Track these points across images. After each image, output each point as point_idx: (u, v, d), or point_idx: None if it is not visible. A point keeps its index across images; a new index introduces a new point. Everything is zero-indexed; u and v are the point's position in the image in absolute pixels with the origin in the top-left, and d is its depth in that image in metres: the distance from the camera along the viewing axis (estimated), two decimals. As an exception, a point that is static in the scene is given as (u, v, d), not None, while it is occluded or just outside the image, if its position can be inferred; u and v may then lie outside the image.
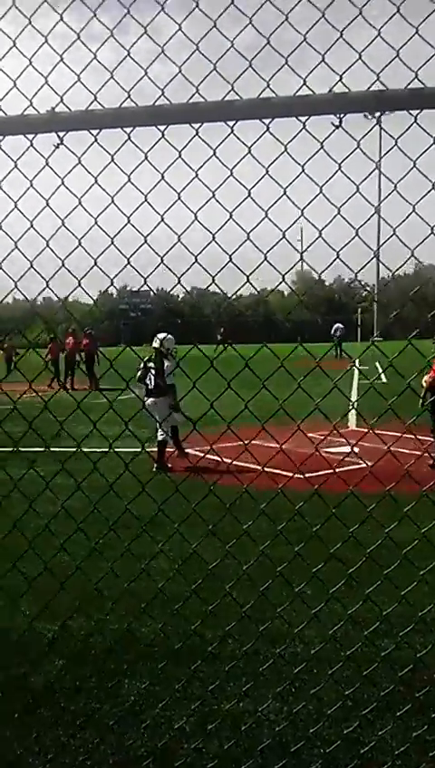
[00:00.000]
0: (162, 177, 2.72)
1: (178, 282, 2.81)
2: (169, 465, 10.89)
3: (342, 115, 2.40)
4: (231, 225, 2.74)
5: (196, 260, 2.80)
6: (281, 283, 2.86)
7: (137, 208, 2.77)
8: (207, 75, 2.55)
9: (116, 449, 3.14)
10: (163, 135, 2.61)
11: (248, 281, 2.78)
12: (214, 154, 2.58)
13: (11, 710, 4.20)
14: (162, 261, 2.80)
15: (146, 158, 2.73)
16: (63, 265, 2.85)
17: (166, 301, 76.18)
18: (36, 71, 2.74)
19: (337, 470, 3.32)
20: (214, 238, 2.73)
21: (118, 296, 77.63)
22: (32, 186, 2.82)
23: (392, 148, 2.41)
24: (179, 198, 2.73)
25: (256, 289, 3.08)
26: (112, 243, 2.90)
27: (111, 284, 3.07)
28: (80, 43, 2.67)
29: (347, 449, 3.16)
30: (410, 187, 2.55)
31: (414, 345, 2.94)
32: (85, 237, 2.87)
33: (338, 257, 2.60)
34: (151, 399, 11.01)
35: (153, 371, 11.07)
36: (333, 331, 37.84)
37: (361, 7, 2.38)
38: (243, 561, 3.95)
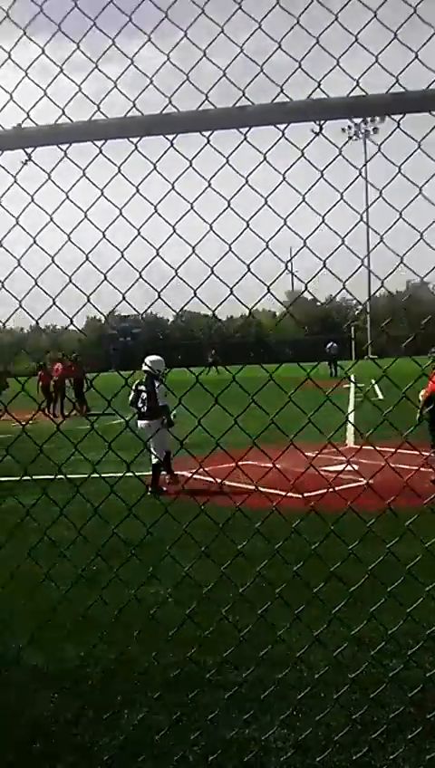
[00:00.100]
0: (155, 209, 2.65)
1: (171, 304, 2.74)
2: (165, 489, 10.80)
3: (322, 122, 2.34)
4: (218, 244, 2.68)
5: (196, 289, 2.73)
6: (267, 294, 2.79)
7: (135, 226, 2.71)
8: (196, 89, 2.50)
9: (104, 474, 3.05)
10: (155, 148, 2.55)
11: (241, 302, 2.70)
12: (191, 164, 2.51)
13: (3, 745, 4.05)
14: (154, 288, 2.73)
15: (140, 184, 2.67)
16: (54, 300, 2.78)
17: (155, 326, 76.39)
18: (33, 82, 2.69)
19: (336, 488, 3.24)
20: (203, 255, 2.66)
21: (106, 322, 77.74)
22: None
23: (376, 153, 2.35)
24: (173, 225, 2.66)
25: (248, 308, 3.01)
26: (105, 277, 2.83)
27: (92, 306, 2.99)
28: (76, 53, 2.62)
29: (347, 467, 3.07)
30: (406, 196, 2.50)
31: (415, 361, 2.89)
32: (72, 263, 2.82)
33: (324, 265, 2.53)
34: (144, 422, 10.92)
35: (145, 394, 10.99)
36: (327, 349, 37.77)
37: (375, 9, 2.34)
38: (239, 583, 3.82)
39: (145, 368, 11.14)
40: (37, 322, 2.88)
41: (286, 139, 2.39)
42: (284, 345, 63.95)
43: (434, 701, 4.12)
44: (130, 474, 3.16)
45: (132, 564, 3.71)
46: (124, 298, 2.79)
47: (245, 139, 2.44)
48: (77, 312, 2.84)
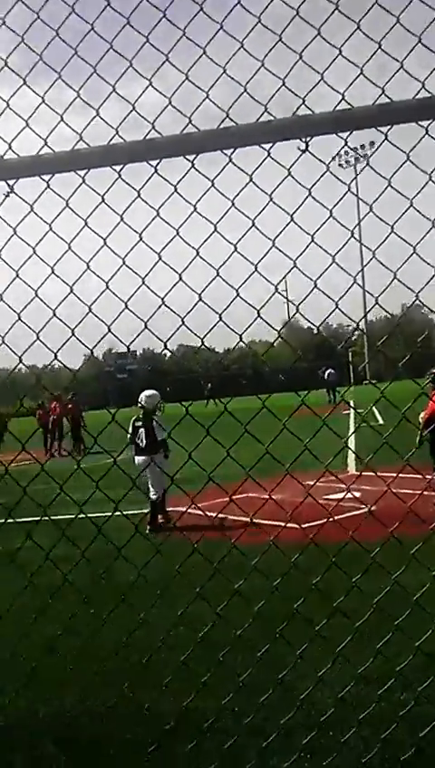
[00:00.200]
0: (141, 237, 2.58)
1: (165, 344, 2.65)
2: (170, 524, 10.60)
3: (308, 139, 2.28)
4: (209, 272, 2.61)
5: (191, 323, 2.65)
6: (257, 320, 2.71)
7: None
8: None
9: (97, 513, 2.95)
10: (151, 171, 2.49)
11: (241, 339, 2.62)
12: (175, 190, 2.45)
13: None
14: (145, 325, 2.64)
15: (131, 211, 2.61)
16: (39, 338, 2.69)
17: (151, 361, 76.45)
18: (15, 113, 2.64)
19: (337, 517, 3.13)
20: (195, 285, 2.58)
21: (103, 359, 77.77)
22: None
23: (365, 167, 2.28)
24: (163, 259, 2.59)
25: (238, 334, 2.93)
26: (90, 309, 2.76)
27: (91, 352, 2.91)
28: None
29: (349, 495, 2.98)
30: (397, 210, 2.43)
31: (415, 382, 2.81)
32: (58, 295, 2.75)
33: (316, 285, 2.45)
34: (143, 458, 10.77)
35: (143, 430, 10.87)
36: (326, 376, 37.56)
37: (357, 21, 2.29)
38: (237, 623, 3.65)
39: (141, 404, 11.05)
40: (20, 359, 2.79)
41: (272, 158, 2.32)
42: (279, 373, 63.93)
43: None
44: (124, 512, 3.04)
45: (122, 610, 3.57)
46: (109, 329, 2.71)
47: (230, 160, 2.38)
48: (60, 347, 2.75)
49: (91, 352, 2.91)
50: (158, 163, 2.43)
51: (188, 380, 64.05)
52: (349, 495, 10.46)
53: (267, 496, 2.82)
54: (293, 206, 2.46)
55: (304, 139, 2.23)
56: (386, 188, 2.32)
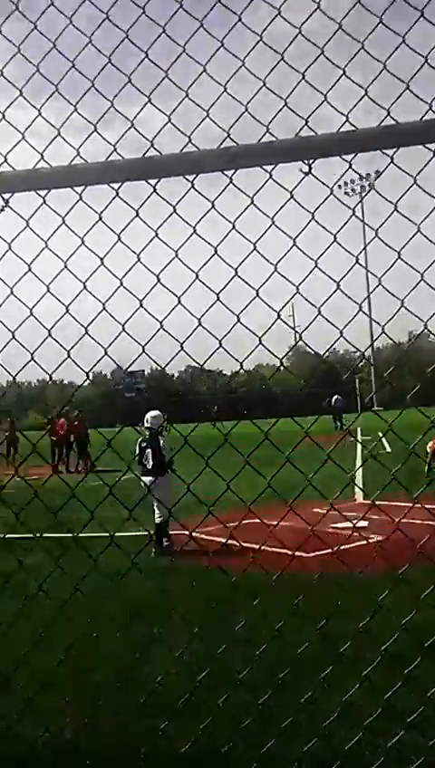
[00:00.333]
0: (138, 258, 2.51)
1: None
2: (167, 544, 10.45)
3: (311, 161, 2.20)
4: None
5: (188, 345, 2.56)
6: (259, 347, 2.62)
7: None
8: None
9: (96, 534, 2.83)
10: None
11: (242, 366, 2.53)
12: (175, 210, 2.37)
13: None
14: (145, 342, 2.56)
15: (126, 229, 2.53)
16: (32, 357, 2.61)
17: (160, 381, 76.49)
18: (11, 125, 2.58)
19: (343, 547, 3.02)
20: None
21: (111, 377, 77.79)
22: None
23: (369, 191, 2.19)
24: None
25: (244, 371, 2.85)
26: (87, 331, 2.68)
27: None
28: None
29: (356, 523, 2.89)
30: (404, 235, 2.35)
31: (422, 412, 2.71)
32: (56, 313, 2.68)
33: (319, 312, 2.36)
34: (149, 479, 10.66)
35: (150, 451, 10.79)
36: (333, 402, 37.45)
37: (362, 41, 2.22)
38: (238, 665, 3.48)
39: (146, 424, 10.98)
40: (14, 378, 2.71)
41: (274, 180, 2.24)
42: (286, 398, 63.77)
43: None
44: (131, 533, 2.94)
45: (119, 643, 3.44)
46: (106, 352, 2.63)
47: (230, 182, 2.31)
48: (55, 369, 2.67)
49: (87, 375, 2.82)
50: (157, 182, 2.35)
51: (195, 401, 63.96)
52: (359, 524, 10.33)
53: (272, 521, 2.74)
54: (297, 230, 2.38)
55: (306, 162, 2.15)
56: (392, 213, 2.23)
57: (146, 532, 10.13)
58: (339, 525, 10.29)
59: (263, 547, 2.91)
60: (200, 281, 2.46)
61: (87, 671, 3.88)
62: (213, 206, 2.37)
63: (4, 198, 2.40)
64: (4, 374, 2.75)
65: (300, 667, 3.27)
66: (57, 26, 2.47)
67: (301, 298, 2.53)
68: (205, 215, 2.42)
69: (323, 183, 2.23)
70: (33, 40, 2.44)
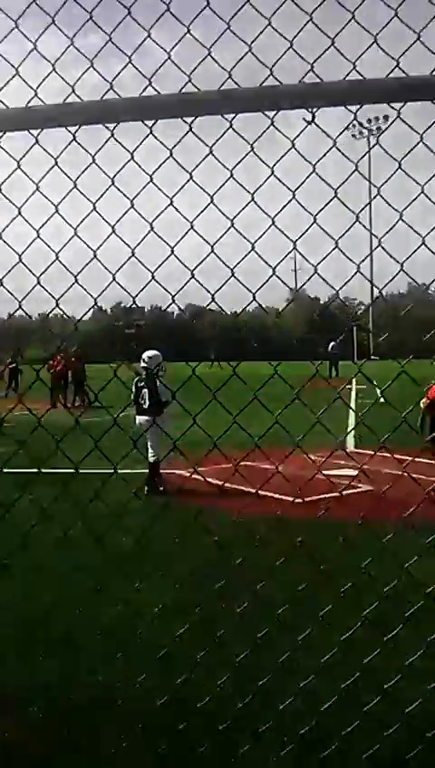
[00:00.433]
0: (132, 203, 2.42)
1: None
2: (161, 489, 10.54)
3: (314, 110, 2.11)
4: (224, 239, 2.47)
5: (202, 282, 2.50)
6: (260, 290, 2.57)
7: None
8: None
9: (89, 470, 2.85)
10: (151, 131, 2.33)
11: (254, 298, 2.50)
12: (171, 155, 2.28)
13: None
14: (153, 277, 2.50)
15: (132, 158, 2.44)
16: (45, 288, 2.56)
17: (160, 318, 76.07)
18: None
19: (337, 494, 3.04)
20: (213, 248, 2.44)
21: (111, 313, 77.35)
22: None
23: (374, 146, 2.11)
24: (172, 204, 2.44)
25: (261, 307, 2.80)
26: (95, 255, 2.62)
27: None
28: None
29: (346, 471, 2.95)
30: (408, 195, 2.27)
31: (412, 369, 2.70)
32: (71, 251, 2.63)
33: (316, 271, 2.31)
34: (145, 418, 10.69)
35: (146, 390, 10.78)
36: (329, 349, 37.31)
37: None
38: (236, 606, 3.52)
39: (143, 364, 10.95)
40: (20, 304, 2.66)
41: (275, 127, 2.16)
42: (289, 340, 63.68)
43: None
44: (124, 471, 2.97)
45: (115, 579, 3.50)
46: (114, 278, 2.57)
47: (230, 126, 2.22)
48: (63, 294, 2.64)
49: (95, 301, 2.79)
50: (153, 123, 2.26)
51: (195, 341, 63.77)
52: (348, 473, 10.44)
53: (265, 465, 2.77)
54: (301, 176, 2.30)
55: (310, 110, 2.06)
56: (396, 171, 2.15)
57: (141, 471, 10.35)
58: (330, 473, 10.42)
59: (260, 492, 2.93)
60: (195, 231, 2.40)
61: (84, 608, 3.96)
62: (211, 153, 2.28)
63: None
64: (3, 308, 2.73)
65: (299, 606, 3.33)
66: None
67: (304, 244, 2.48)
68: (203, 159, 2.34)
69: (326, 134, 2.14)
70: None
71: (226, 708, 3.85)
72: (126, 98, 2.21)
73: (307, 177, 2.18)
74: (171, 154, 2.31)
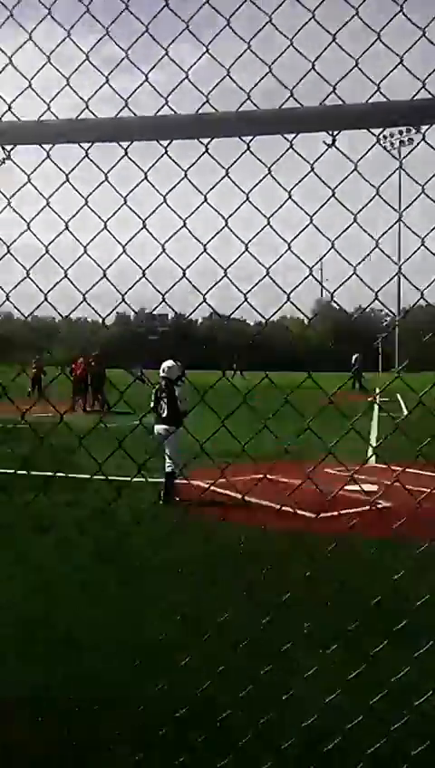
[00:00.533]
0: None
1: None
2: (177, 499, 10.46)
3: (336, 133, 2.02)
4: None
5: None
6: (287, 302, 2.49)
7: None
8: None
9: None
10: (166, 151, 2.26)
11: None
12: (185, 174, 2.21)
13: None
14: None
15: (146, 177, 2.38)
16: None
17: (182, 327, 76.17)
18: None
19: (353, 510, 2.97)
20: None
21: (134, 319, 77.62)
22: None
23: (405, 156, 2.02)
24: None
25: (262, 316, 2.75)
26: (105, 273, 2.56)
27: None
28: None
29: (367, 487, 2.88)
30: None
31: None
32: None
33: (355, 272, 2.22)
34: (163, 427, 10.63)
35: (165, 400, 10.74)
36: (353, 361, 37.06)
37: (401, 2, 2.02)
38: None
39: (162, 374, 10.92)
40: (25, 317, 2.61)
41: (294, 150, 2.07)
42: (308, 354, 63.33)
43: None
44: (142, 478, 2.91)
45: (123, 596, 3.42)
46: (123, 299, 2.51)
47: (248, 149, 2.14)
48: (69, 314, 2.59)
49: (103, 320, 2.73)
50: (169, 143, 2.19)
51: (218, 350, 63.68)
52: (369, 488, 10.29)
53: (285, 480, 2.69)
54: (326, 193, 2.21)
55: (330, 133, 1.98)
56: (420, 195, 2.06)
57: (156, 480, 10.28)
58: (348, 488, 10.25)
59: (278, 506, 2.86)
60: (230, 228, 2.32)
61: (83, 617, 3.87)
62: (227, 174, 2.20)
63: (5, 150, 2.25)
64: (26, 312, 2.70)
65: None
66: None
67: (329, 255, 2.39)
68: (219, 182, 2.26)
69: (347, 157, 2.05)
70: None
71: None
72: (141, 116, 2.15)
73: (339, 184, 2.08)
74: (186, 174, 2.24)
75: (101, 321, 2.78)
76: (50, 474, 3.77)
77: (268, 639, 3.79)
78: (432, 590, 3.00)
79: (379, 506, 9.00)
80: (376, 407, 22.92)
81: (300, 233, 2.18)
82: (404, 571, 3.04)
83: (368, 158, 2.20)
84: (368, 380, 33.86)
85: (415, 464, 2.65)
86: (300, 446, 2.65)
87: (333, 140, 2.03)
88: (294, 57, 1.99)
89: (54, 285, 2.56)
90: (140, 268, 2.48)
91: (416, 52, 1.90)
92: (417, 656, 3.15)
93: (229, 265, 2.38)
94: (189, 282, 2.46)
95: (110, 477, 3.02)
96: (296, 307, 2.39)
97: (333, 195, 2.10)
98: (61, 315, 2.66)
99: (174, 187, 2.27)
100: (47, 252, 2.54)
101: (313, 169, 2.10)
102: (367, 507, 8.90)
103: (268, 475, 2.93)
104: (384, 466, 11.19)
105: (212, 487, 3.29)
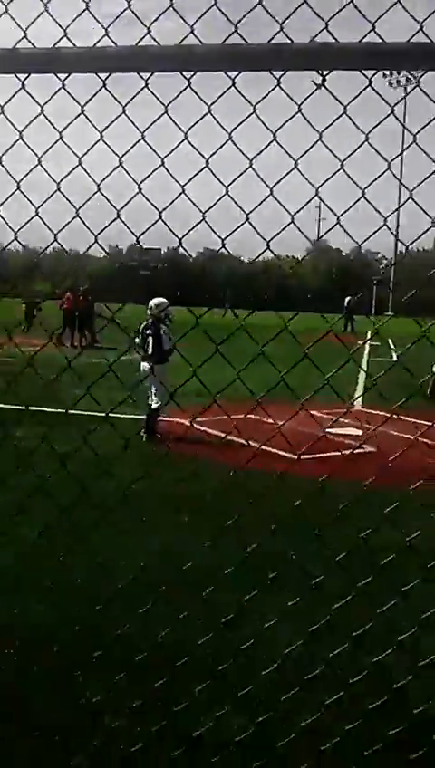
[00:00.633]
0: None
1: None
2: (159, 435, 10.51)
3: (326, 72, 1.91)
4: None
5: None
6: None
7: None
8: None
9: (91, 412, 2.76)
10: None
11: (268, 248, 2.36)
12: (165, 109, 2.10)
13: None
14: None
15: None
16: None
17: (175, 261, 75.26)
18: None
19: (340, 453, 2.98)
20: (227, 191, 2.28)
21: (127, 253, 76.50)
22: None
23: (411, 91, 1.91)
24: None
25: (275, 255, 2.66)
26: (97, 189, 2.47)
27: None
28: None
29: (351, 431, 2.90)
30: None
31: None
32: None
33: (338, 222, 2.15)
34: (148, 365, 10.60)
35: (151, 337, 10.68)
36: (346, 304, 36.88)
37: None
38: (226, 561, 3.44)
39: (149, 312, 10.82)
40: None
41: (281, 89, 1.96)
42: (304, 293, 62.90)
43: None
44: (125, 415, 2.89)
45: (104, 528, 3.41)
46: (118, 215, 2.43)
47: (233, 85, 2.02)
48: (60, 229, 2.53)
49: (96, 239, 2.66)
50: (149, 76, 2.07)
51: (210, 286, 63.06)
52: (353, 432, 10.29)
53: (268, 420, 2.70)
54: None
55: (320, 72, 1.86)
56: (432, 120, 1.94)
57: (139, 416, 10.29)
58: (334, 431, 10.21)
59: (261, 446, 2.84)
60: (211, 170, 2.23)
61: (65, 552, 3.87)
62: (209, 112, 2.09)
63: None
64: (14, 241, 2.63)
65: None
66: None
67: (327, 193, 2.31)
68: (203, 116, 2.15)
69: (337, 99, 1.94)
70: None
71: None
72: (121, 46, 2.02)
73: (336, 119, 1.98)
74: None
75: (95, 251, 2.71)
76: (27, 407, 3.73)
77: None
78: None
79: (363, 450, 9.06)
80: (366, 350, 22.93)
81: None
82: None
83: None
84: (358, 323, 33.74)
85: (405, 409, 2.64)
86: (292, 387, 2.59)
87: (323, 80, 1.91)
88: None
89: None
90: (139, 184, 2.38)
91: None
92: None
93: (251, 211, 2.29)
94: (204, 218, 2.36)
95: (85, 413, 2.99)
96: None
97: (320, 139, 1.99)
98: (63, 247, 2.61)
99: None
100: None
101: (300, 110, 1.99)
102: (350, 451, 8.97)
103: (252, 415, 2.90)
104: (371, 411, 11.23)
105: (194, 425, 3.29)
